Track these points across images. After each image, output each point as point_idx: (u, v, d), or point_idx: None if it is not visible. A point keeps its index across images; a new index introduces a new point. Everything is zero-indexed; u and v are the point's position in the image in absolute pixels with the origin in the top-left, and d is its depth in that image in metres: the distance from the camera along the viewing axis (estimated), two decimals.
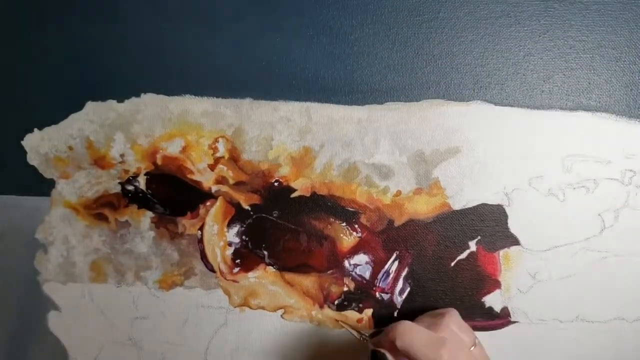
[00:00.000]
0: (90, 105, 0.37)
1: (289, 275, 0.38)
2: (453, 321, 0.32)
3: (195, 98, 0.36)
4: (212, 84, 0.36)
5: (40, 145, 0.37)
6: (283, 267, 0.38)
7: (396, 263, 0.37)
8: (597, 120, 0.35)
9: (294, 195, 0.37)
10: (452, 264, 0.37)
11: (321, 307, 0.38)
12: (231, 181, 0.37)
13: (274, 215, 0.37)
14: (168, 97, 0.36)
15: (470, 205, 0.36)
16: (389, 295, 0.38)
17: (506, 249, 0.37)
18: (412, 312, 0.38)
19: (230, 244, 0.38)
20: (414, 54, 0.36)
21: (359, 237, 0.37)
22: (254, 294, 0.38)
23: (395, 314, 0.38)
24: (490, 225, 0.36)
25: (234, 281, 0.38)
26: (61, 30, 0.37)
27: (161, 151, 0.37)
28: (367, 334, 0.35)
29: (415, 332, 0.31)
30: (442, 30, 0.35)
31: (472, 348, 0.32)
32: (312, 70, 0.36)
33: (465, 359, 0.30)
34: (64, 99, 0.37)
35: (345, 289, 0.38)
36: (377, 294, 0.38)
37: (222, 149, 0.37)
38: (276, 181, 0.37)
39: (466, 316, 0.37)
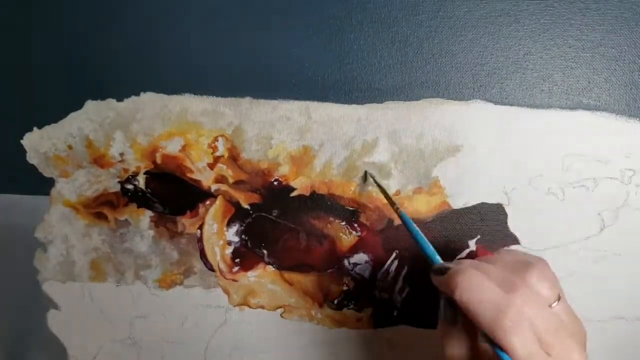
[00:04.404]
0: (89, 104, 0.37)
1: (289, 275, 0.38)
2: (534, 274, 0.27)
3: (194, 97, 0.36)
4: (212, 83, 0.36)
5: (39, 144, 0.37)
6: (282, 266, 0.38)
7: (396, 262, 0.37)
8: (597, 119, 0.35)
9: (293, 194, 0.37)
10: None
11: (320, 306, 0.38)
12: (231, 180, 0.37)
13: (274, 214, 0.37)
14: (167, 96, 0.36)
15: (470, 204, 0.36)
16: (388, 295, 0.38)
17: (506, 248, 0.37)
18: (411, 311, 0.38)
19: (229, 243, 0.38)
20: (414, 53, 0.36)
21: (358, 236, 0.37)
22: (253, 293, 0.38)
23: (395, 313, 0.38)
24: (489, 224, 0.36)
25: (234, 280, 0.38)
26: (61, 30, 0.37)
27: (161, 150, 0.37)
28: (433, 267, 0.30)
29: (479, 288, 0.26)
30: (441, 29, 0.35)
31: (553, 304, 0.27)
32: (311, 69, 0.36)
33: (542, 319, 0.25)
34: (63, 98, 0.37)
35: (345, 288, 0.38)
36: (377, 293, 0.38)
37: (221, 148, 0.37)
38: (276, 180, 0.37)
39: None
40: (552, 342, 0.25)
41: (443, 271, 0.28)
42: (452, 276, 0.27)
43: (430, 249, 0.30)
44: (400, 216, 0.32)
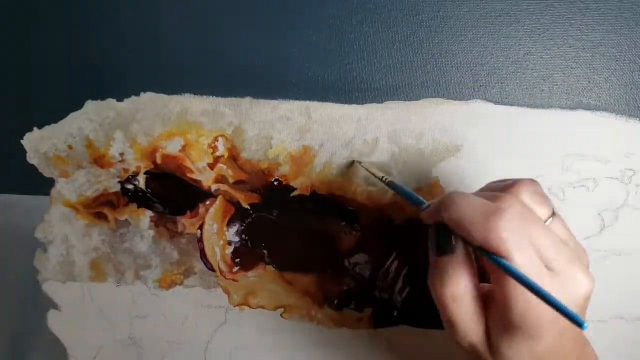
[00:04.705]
0: (89, 104, 0.37)
1: (289, 274, 0.38)
2: (524, 190, 0.25)
3: (194, 97, 0.36)
4: (212, 83, 0.36)
5: (39, 144, 0.37)
6: (282, 266, 0.38)
7: (396, 262, 0.37)
8: (597, 119, 0.35)
9: (293, 194, 0.37)
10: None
11: (320, 306, 0.38)
12: (231, 180, 0.37)
13: (274, 214, 0.37)
14: (167, 96, 0.36)
15: None
16: (388, 295, 0.38)
17: None
18: (411, 311, 0.38)
19: (229, 243, 0.38)
20: (414, 53, 0.36)
21: (358, 236, 0.37)
22: (253, 292, 0.38)
23: (395, 313, 0.38)
24: None
25: (234, 280, 0.38)
26: (60, 29, 0.37)
27: (160, 150, 0.37)
28: (420, 203, 0.28)
29: (466, 201, 0.24)
30: (441, 29, 0.35)
31: (547, 221, 0.25)
32: (311, 69, 0.36)
33: (539, 233, 0.23)
34: (63, 98, 0.37)
35: (345, 288, 0.38)
36: (377, 293, 0.38)
37: (221, 148, 0.37)
38: (276, 180, 0.37)
39: None
40: (554, 257, 0.23)
41: (423, 206, 0.27)
42: (439, 200, 0.25)
43: (419, 197, 0.29)
44: (389, 184, 0.31)
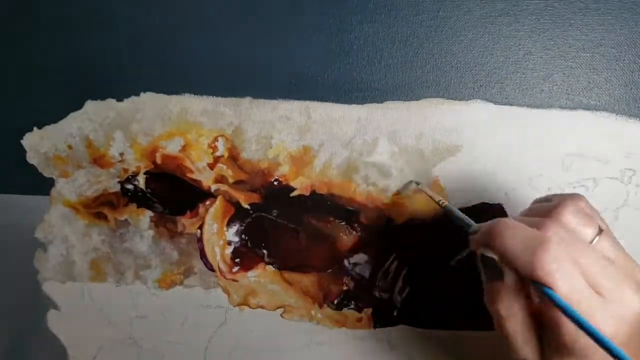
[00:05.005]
0: (89, 104, 0.37)
1: (289, 274, 0.38)
2: (568, 211, 0.25)
3: (194, 97, 0.36)
4: (212, 83, 0.36)
5: (39, 144, 0.37)
6: (282, 266, 0.38)
7: (396, 262, 0.37)
8: (597, 119, 0.35)
9: (293, 194, 0.37)
10: (452, 263, 0.37)
11: (320, 306, 0.38)
12: (231, 180, 0.37)
13: (274, 214, 0.37)
14: (167, 96, 0.36)
15: (470, 204, 0.36)
16: (388, 295, 0.38)
17: None
18: (411, 311, 0.38)
19: (229, 243, 0.38)
20: (414, 53, 0.36)
21: (358, 236, 0.37)
22: (253, 293, 0.38)
23: (395, 313, 0.38)
24: None
25: (234, 280, 0.38)
26: (60, 29, 0.37)
27: (160, 150, 0.37)
28: (469, 226, 0.29)
29: (511, 233, 0.24)
30: (441, 29, 0.35)
31: (594, 240, 0.25)
32: (311, 69, 0.36)
33: (583, 258, 0.23)
34: (63, 98, 0.37)
35: (345, 288, 0.38)
36: (377, 293, 0.38)
37: (221, 148, 0.37)
38: (276, 180, 0.37)
39: (465, 315, 0.37)
40: (601, 281, 0.23)
41: (472, 231, 0.28)
42: (485, 228, 0.26)
43: (470, 221, 0.29)
44: (445, 208, 0.32)
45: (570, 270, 0.23)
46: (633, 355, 0.23)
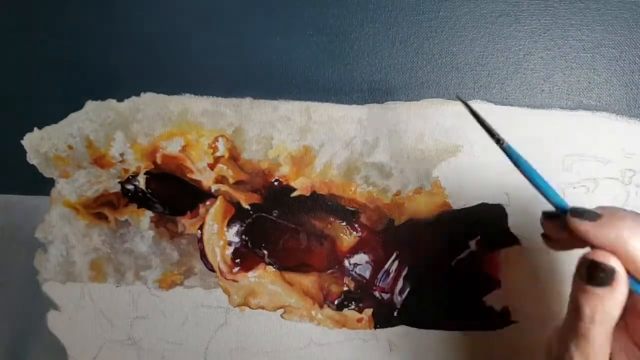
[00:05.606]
0: (90, 105, 0.37)
1: (289, 275, 0.38)
2: None
3: (195, 97, 0.36)
4: (212, 83, 0.36)
5: (40, 144, 0.37)
6: (283, 266, 0.38)
7: (396, 262, 0.37)
8: (597, 120, 0.35)
9: (293, 194, 0.37)
10: (452, 263, 0.37)
11: (321, 306, 0.38)
12: (231, 180, 0.37)
13: (274, 214, 0.37)
14: (168, 96, 0.36)
15: (471, 204, 0.36)
16: (389, 295, 0.38)
17: (506, 249, 0.37)
18: (412, 311, 0.38)
19: (230, 244, 0.38)
20: (414, 53, 0.36)
21: (358, 236, 0.37)
22: (253, 293, 0.38)
23: (395, 313, 0.38)
24: (490, 224, 0.36)
25: (234, 281, 0.38)
26: (60, 29, 0.37)
27: (161, 150, 0.37)
28: (570, 208, 0.24)
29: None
30: (442, 29, 0.35)
31: None
32: (312, 70, 0.36)
33: None
34: (63, 98, 0.37)
35: (345, 288, 0.38)
36: (377, 294, 0.38)
37: (222, 148, 0.37)
38: (276, 180, 0.37)
39: (466, 315, 0.37)
40: None
41: (590, 216, 0.23)
42: (616, 221, 0.22)
43: (555, 192, 0.25)
44: (506, 150, 0.27)
45: None
46: None
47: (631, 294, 0.23)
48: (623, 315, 0.23)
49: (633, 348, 0.23)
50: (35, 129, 0.37)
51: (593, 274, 0.22)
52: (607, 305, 0.22)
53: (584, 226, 0.23)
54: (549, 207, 0.27)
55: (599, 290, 0.22)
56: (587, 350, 0.23)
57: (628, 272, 0.22)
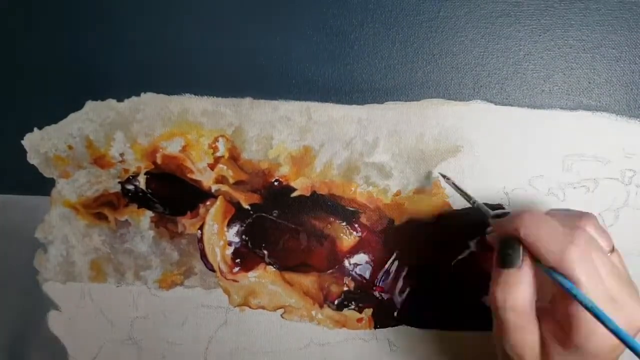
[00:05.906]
0: (90, 105, 0.37)
1: (289, 275, 0.38)
2: (591, 223, 0.27)
3: (195, 97, 0.36)
4: (212, 83, 0.36)
5: (40, 144, 0.37)
6: (283, 266, 0.38)
7: (396, 263, 0.37)
8: (598, 120, 0.35)
9: (294, 194, 0.37)
10: (452, 263, 0.37)
11: (321, 306, 0.38)
12: (231, 180, 0.37)
13: (274, 214, 0.37)
14: (168, 96, 0.36)
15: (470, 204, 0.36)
16: (389, 295, 0.38)
17: None
18: (412, 311, 0.38)
19: (230, 244, 0.38)
20: (414, 54, 0.36)
21: (359, 236, 0.37)
22: (253, 293, 0.38)
23: (395, 313, 0.38)
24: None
25: (234, 281, 0.38)
26: (60, 30, 0.37)
27: (161, 150, 0.37)
28: (491, 213, 0.30)
29: (544, 223, 0.26)
30: (442, 30, 0.35)
31: (609, 253, 0.27)
32: (312, 70, 0.36)
33: (601, 261, 0.25)
34: (63, 99, 0.37)
35: (345, 288, 0.38)
36: (377, 294, 0.38)
37: (222, 148, 0.37)
38: (276, 180, 0.37)
39: (466, 316, 0.37)
40: (616, 287, 0.25)
41: (502, 216, 0.29)
42: (517, 215, 0.27)
43: (488, 210, 0.31)
44: (474, 205, 0.33)
45: (593, 271, 0.24)
46: None
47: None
48: (551, 300, 0.26)
49: (557, 329, 0.25)
50: (35, 129, 0.37)
51: (504, 256, 0.26)
52: (515, 289, 0.25)
53: (497, 224, 0.29)
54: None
55: (508, 277, 0.26)
56: (508, 335, 0.26)
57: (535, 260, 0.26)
